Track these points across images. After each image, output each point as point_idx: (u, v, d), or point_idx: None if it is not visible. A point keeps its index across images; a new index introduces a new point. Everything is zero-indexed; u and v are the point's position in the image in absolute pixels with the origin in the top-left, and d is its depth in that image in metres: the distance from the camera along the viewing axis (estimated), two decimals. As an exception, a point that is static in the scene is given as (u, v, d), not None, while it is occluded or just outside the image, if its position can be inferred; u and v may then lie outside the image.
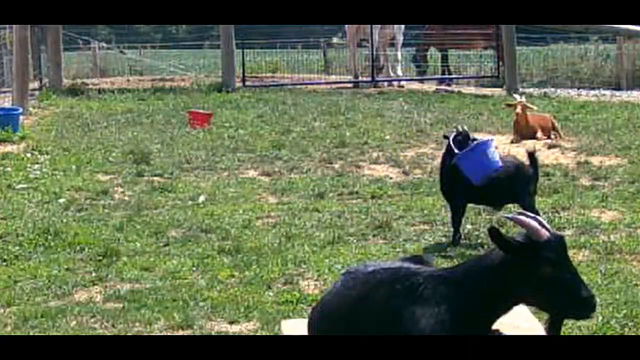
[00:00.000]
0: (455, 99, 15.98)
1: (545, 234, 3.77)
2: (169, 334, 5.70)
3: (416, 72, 20.11)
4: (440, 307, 3.73)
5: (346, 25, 18.61)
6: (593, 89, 17.85)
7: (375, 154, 11.13)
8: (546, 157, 10.79)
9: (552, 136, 12.06)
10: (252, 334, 5.67)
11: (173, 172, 10.26)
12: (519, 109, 11.86)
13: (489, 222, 7.97)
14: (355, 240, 7.62)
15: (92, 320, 5.93)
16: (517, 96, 12.58)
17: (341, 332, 3.94)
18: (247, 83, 17.81)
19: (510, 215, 3.98)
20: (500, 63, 18.35)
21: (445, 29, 19.21)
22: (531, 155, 7.66)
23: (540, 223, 3.82)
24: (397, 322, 3.75)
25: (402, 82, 18.31)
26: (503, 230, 4.03)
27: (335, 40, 21.65)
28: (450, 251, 7.26)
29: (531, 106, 12.16)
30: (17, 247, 7.47)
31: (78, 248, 7.44)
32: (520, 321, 4.56)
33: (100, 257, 7.20)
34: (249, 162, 10.84)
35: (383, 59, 18.54)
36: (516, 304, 3.88)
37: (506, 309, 3.85)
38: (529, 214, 3.94)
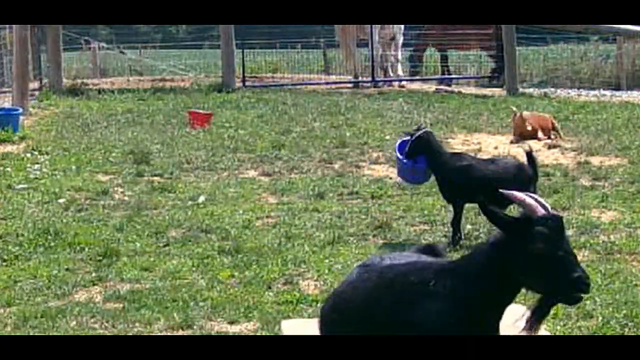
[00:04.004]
0: (455, 99, 15.98)
1: (540, 210, 3.72)
2: (169, 334, 5.70)
3: (411, 71, 20.00)
4: (449, 301, 3.71)
5: (335, 26, 18.59)
6: (593, 89, 17.83)
7: (375, 154, 11.13)
8: (546, 157, 10.80)
9: (552, 136, 12.07)
10: (252, 334, 5.67)
11: (173, 172, 10.26)
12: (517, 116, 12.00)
13: (489, 222, 7.97)
14: (355, 240, 7.62)
15: (92, 320, 5.93)
16: (514, 108, 12.65)
17: (353, 322, 3.90)
18: (247, 83, 17.79)
19: (506, 192, 3.93)
20: (496, 62, 18.37)
21: (444, 29, 19.19)
22: (529, 155, 7.67)
23: (538, 202, 3.77)
24: (410, 315, 3.73)
25: (403, 82, 18.30)
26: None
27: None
28: (450, 251, 7.25)
29: (526, 117, 12.17)
30: (17, 247, 7.47)
31: (78, 248, 7.44)
32: (521, 321, 4.56)
33: (100, 257, 7.20)
34: (249, 162, 10.83)
35: (384, 60, 18.50)
36: (518, 287, 3.81)
37: (511, 292, 3.79)
38: (528, 193, 3.88)
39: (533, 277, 3.71)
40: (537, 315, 3.78)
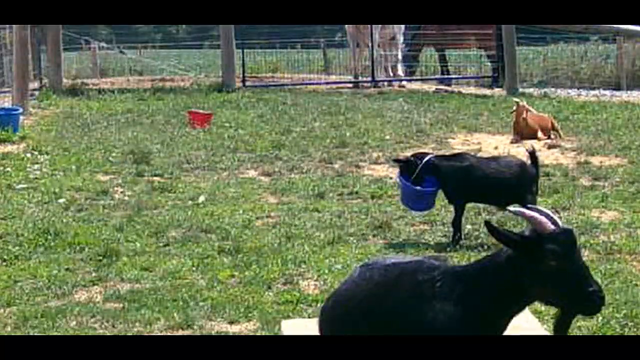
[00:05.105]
0: (455, 99, 15.98)
1: (550, 226, 3.68)
2: (169, 334, 5.70)
3: (407, 72, 19.94)
4: (457, 305, 3.70)
5: (346, 25, 18.60)
6: (593, 89, 17.83)
7: (375, 154, 11.13)
8: (546, 157, 10.79)
9: (552, 136, 12.07)
10: (252, 334, 5.67)
11: (173, 172, 10.26)
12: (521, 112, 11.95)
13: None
14: (355, 240, 7.62)
15: (92, 320, 5.93)
16: (516, 99, 12.64)
17: (354, 320, 3.89)
18: (247, 83, 17.79)
19: (514, 209, 3.92)
20: (491, 62, 18.35)
21: (442, 29, 19.16)
22: (532, 154, 7.67)
23: (547, 216, 3.75)
24: (415, 315, 3.72)
25: (403, 82, 18.29)
26: (517, 228, 3.97)
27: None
28: (450, 251, 7.26)
29: (530, 108, 12.18)
30: (17, 247, 7.47)
31: (78, 248, 7.44)
32: (521, 321, 4.56)
33: (100, 257, 7.20)
34: (249, 162, 10.83)
35: (385, 60, 18.48)
36: (529, 300, 3.80)
37: (520, 306, 3.78)
38: (538, 208, 3.87)
39: (546, 292, 3.68)
40: (560, 326, 3.78)
